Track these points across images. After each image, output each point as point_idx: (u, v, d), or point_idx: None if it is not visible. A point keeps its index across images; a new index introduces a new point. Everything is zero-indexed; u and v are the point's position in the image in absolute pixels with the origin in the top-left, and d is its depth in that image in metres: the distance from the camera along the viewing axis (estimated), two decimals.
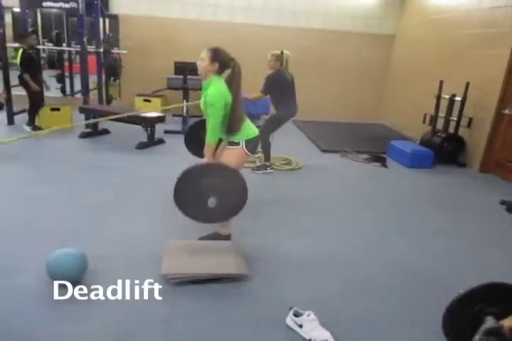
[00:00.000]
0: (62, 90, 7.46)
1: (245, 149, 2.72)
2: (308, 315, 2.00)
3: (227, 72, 2.64)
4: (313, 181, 4.42)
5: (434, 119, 5.50)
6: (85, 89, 6.05)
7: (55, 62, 7.07)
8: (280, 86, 4.33)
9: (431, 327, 2.10)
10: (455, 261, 2.87)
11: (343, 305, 2.26)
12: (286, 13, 7.39)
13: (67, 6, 6.01)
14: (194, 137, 3.47)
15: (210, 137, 2.62)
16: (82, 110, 5.68)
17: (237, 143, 2.71)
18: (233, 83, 2.61)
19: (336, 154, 5.48)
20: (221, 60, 2.58)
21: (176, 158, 4.30)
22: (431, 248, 3.05)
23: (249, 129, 2.76)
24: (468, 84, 5.06)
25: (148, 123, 5.23)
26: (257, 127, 2.91)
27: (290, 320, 2.03)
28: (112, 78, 7.08)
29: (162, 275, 2.32)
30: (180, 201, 2.42)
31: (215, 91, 2.55)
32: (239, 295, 2.27)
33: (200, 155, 3.13)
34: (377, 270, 2.67)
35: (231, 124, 2.63)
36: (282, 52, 4.27)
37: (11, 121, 5.91)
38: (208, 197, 2.39)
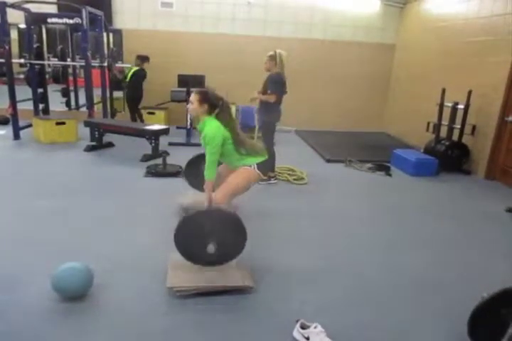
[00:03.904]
0: (67, 104, 7.52)
1: (257, 170, 2.84)
2: (315, 327, 1.99)
3: (217, 110, 2.79)
4: (318, 191, 4.41)
5: (437, 127, 5.50)
6: (90, 103, 6.13)
7: (60, 76, 7.13)
8: (278, 88, 4.31)
9: (441, 337, 2.09)
10: (464, 271, 2.85)
11: (350, 317, 2.24)
12: (287, 25, 7.46)
13: (71, 21, 6.08)
14: (194, 170, 3.50)
15: (208, 173, 2.75)
16: (87, 124, 5.74)
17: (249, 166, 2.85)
18: (224, 120, 2.77)
19: (340, 164, 5.48)
20: (209, 101, 2.76)
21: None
22: (438, 257, 3.02)
23: (257, 156, 2.88)
24: (470, 92, 5.07)
25: (153, 136, 5.27)
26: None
27: (297, 333, 2.02)
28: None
29: (168, 289, 2.32)
30: (182, 249, 2.40)
31: (211, 131, 2.71)
32: (244, 308, 2.26)
33: (198, 187, 3.27)
34: (384, 280, 2.65)
35: (242, 148, 2.82)
36: (275, 52, 4.27)
37: (16, 136, 5.96)
38: (207, 243, 2.35)
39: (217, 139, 2.70)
